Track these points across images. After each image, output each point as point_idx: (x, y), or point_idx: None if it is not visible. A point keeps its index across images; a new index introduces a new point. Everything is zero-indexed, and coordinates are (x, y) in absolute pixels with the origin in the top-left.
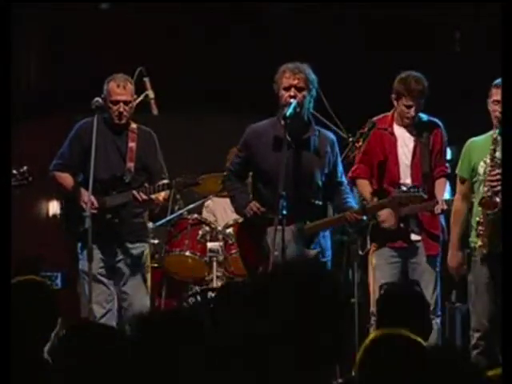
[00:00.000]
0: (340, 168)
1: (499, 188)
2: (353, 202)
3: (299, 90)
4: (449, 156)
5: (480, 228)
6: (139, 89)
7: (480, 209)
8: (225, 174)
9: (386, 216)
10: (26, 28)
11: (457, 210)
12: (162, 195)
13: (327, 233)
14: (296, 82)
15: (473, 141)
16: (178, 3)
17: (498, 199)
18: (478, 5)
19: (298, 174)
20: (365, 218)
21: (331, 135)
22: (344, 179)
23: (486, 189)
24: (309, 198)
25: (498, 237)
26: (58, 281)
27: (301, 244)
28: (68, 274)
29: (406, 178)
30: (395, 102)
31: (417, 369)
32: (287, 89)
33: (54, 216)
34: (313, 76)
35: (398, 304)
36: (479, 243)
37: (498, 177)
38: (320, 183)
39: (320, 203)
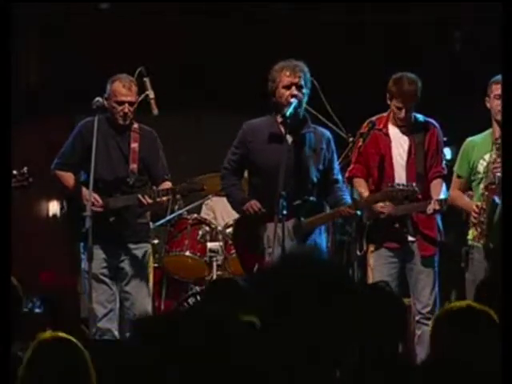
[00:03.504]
0: (336, 165)
1: None
2: (348, 198)
3: (299, 88)
4: (449, 156)
5: (482, 215)
6: (139, 89)
7: (486, 194)
8: (221, 171)
9: (379, 205)
10: (26, 28)
11: (453, 194)
12: (165, 198)
13: (323, 231)
14: (297, 80)
15: (471, 140)
16: (178, 3)
17: None
18: (478, 5)
19: (294, 170)
20: (358, 212)
21: (327, 132)
22: (340, 176)
23: (492, 176)
24: (304, 195)
25: (498, 226)
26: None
27: (296, 241)
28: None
29: (400, 179)
30: (389, 102)
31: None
32: (288, 87)
33: (54, 216)
34: (308, 74)
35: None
36: (477, 232)
37: None
38: (315, 180)
39: (314, 200)
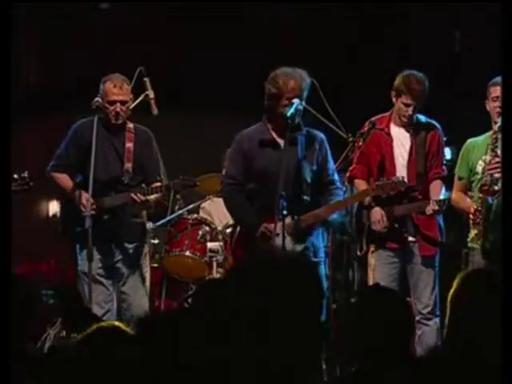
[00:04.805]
0: (330, 165)
1: (499, 176)
2: (341, 197)
3: (301, 99)
4: (448, 156)
5: (478, 216)
6: (139, 89)
7: (480, 195)
8: (223, 189)
9: (376, 218)
10: (26, 28)
11: (455, 197)
12: (153, 196)
13: (320, 233)
14: (300, 93)
15: (471, 141)
16: (178, 3)
17: (496, 188)
18: (478, 5)
19: (288, 171)
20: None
21: (320, 134)
22: (336, 177)
23: (486, 178)
24: (298, 194)
25: (493, 227)
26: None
27: (291, 239)
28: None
29: None
30: (394, 100)
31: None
32: (291, 98)
33: (54, 217)
34: (309, 80)
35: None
36: (474, 233)
37: (498, 165)
38: (309, 179)
39: (308, 199)
